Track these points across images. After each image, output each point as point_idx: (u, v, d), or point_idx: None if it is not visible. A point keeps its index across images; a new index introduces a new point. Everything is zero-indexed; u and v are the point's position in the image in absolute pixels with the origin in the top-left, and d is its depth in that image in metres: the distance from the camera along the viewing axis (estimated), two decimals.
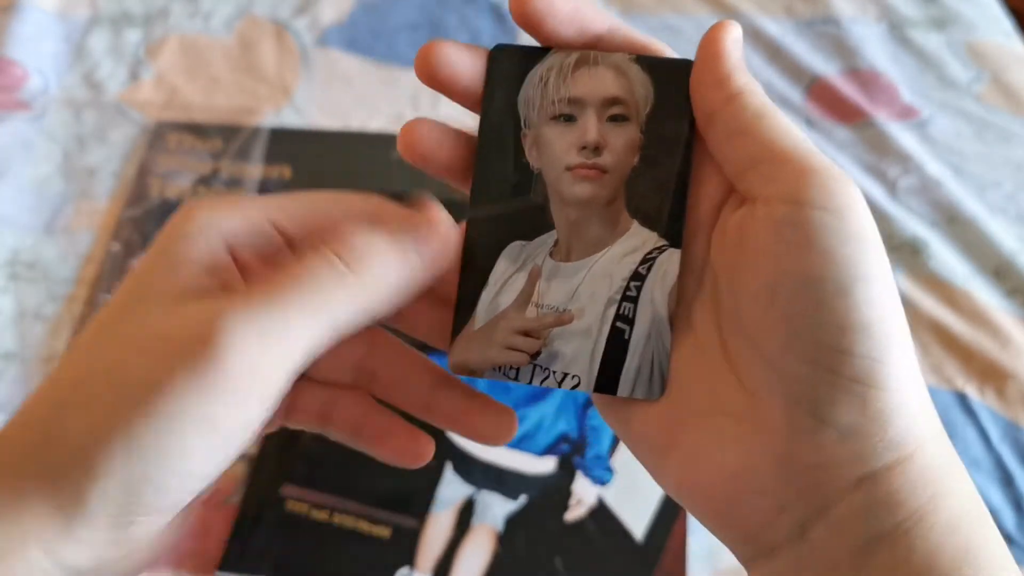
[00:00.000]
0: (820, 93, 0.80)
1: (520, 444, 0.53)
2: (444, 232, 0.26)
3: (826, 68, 0.82)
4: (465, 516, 0.50)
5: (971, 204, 0.69)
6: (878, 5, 0.91)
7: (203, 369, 0.21)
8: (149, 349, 0.21)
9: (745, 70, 0.25)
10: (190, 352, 0.21)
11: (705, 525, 0.25)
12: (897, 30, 0.88)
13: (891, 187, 0.71)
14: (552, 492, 0.51)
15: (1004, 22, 0.90)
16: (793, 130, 0.24)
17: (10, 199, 0.67)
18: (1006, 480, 0.53)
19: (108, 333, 0.23)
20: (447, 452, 0.52)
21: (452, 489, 0.51)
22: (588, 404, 0.54)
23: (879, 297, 0.22)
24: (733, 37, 0.26)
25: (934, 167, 0.72)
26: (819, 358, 0.22)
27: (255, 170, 0.69)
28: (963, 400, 0.57)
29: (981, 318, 0.61)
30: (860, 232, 0.22)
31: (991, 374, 0.58)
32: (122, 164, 0.70)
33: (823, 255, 0.22)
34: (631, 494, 0.51)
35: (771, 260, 0.23)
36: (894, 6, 0.91)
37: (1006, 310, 0.62)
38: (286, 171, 0.69)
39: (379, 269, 0.24)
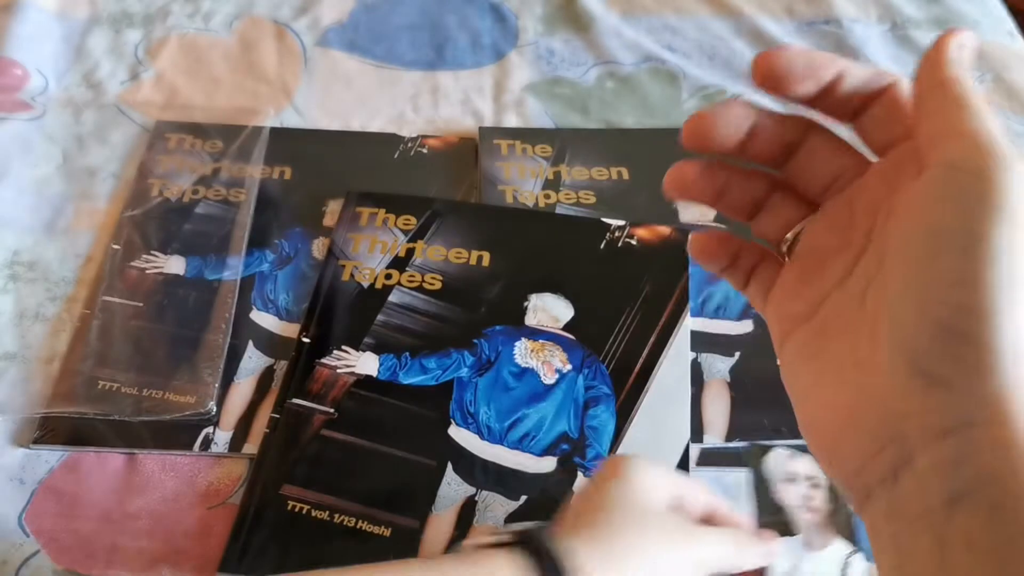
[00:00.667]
0: None
1: (520, 444, 0.53)
2: (773, 554, 0.45)
3: None
4: (466, 516, 0.50)
5: None
6: (880, 5, 0.91)
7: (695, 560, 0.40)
8: (671, 531, 0.41)
9: (964, 65, 0.27)
10: (687, 544, 0.41)
11: (820, 462, 0.27)
12: (899, 30, 0.88)
13: None
14: (553, 492, 0.51)
15: (1007, 22, 0.90)
16: (984, 117, 0.25)
17: (10, 199, 0.66)
18: None
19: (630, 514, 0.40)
20: (448, 452, 0.52)
21: (453, 489, 0.51)
22: (588, 404, 0.54)
23: (1002, 259, 0.22)
24: (962, 40, 0.27)
25: None
26: (928, 306, 0.23)
27: (255, 170, 0.68)
28: None
29: None
30: (998, 201, 0.23)
31: None
32: (122, 164, 0.70)
33: (952, 209, 0.23)
34: None
35: (912, 214, 0.24)
36: (896, 6, 0.91)
37: None
38: (286, 171, 0.69)
39: (751, 559, 0.43)
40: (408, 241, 0.63)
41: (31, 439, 0.52)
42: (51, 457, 0.52)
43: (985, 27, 0.88)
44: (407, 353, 0.56)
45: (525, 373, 0.55)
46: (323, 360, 0.56)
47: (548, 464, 0.52)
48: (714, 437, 0.54)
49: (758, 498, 0.50)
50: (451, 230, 0.63)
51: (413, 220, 0.64)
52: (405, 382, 0.55)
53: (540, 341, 0.57)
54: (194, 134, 0.72)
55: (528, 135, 0.74)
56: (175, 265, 0.61)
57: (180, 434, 0.53)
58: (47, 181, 0.68)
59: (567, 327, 0.58)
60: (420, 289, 0.60)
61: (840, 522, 0.49)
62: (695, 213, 0.67)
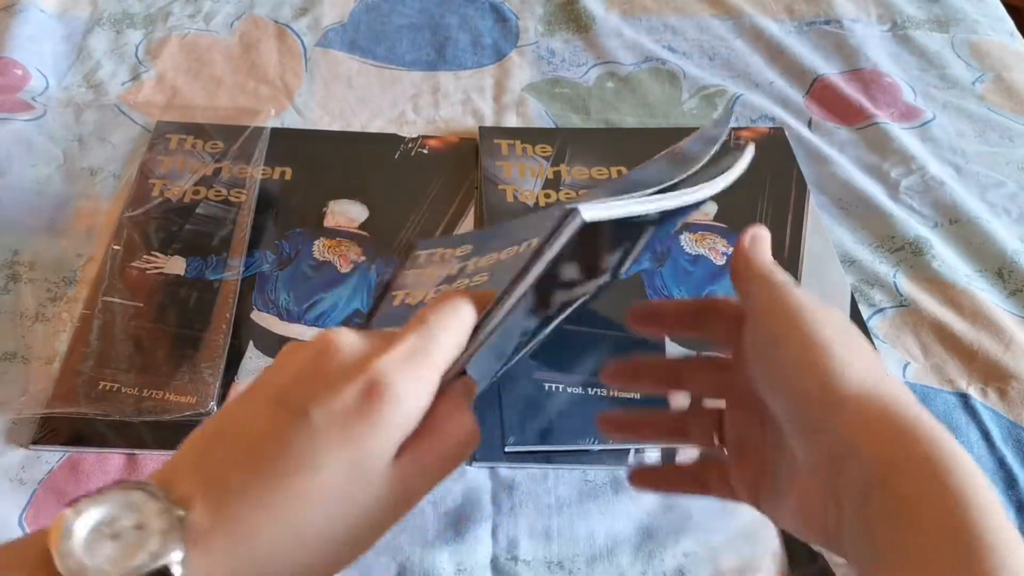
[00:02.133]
0: (822, 94, 0.79)
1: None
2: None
3: (828, 68, 0.82)
4: None
5: (973, 204, 0.69)
6: (880, 5, 0.91)
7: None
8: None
9: (763, 251, 0.36)
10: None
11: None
12: (899, 30, 0.88)
13: (893, 188, 0.71)
14: None
15: (1007, 22, 0.90)
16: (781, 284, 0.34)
17: (11, 199, 0.66)
18: (1009, 481, 0.52)
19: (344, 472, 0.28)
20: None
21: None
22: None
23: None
24: (754, 235, 0.36)
25: (936, 167, 0.72)
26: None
27: (256, 171, 0.68)
28: (965, 401, 0.56)
29: (983, 319, 0.60)
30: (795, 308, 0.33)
31: (993, 375, 0.58)
32: (123, 165, 0.70)
33: (771, 319, 0.34)
34: None
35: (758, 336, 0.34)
36: (896, 6, 0.91)
37: (1008, 311, 0.62)
38: (287, 172, 0.69)
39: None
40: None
41: (31, 439, 0.52)
42: (51, 457, 0.52)
43: (984, 26, 0.89)
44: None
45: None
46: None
47: None
48: None
49: (791, 549, 0.49)
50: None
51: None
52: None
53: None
54: (195, 134, 0.72)
55: (528, 135, 0.74)
56: (176, 265, 0.61)
57: (181, 434, 0.52)
58: (48, 181, 0.68)
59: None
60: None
61: None
62: (695, 213, 0.67)
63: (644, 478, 0.42)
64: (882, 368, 0.32)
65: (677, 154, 0.55)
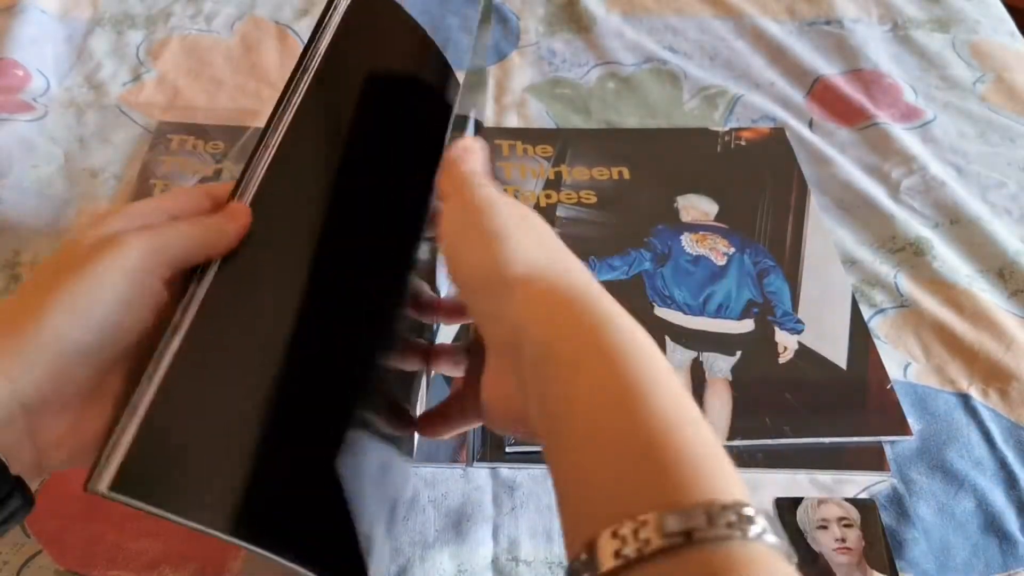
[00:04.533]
0: (823, 94, 0.79)
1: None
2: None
3: (829, 69, 0.82)
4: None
5: (974, 205, 0.69)
6: (881, 6, 0.91)
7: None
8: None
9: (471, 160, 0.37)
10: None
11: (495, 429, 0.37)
12: (900, 31, 0.88)
13: (894, 188, 0.71)
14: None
15: (1007, 23, 0.90)
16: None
17: (12, 200, 0.67)
18: (1010, 482, 0.52)
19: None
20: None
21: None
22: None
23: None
24: (463, 145, 0.38)
25: (937, 168, 0.72)
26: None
27: None
28: (966, 401, 0.56)
29: (984, 319, 0.60)
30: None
31: (994, 375, 0.58)
32: (124, 166, 0.70)
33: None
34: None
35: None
36: (897, 7, 0.91)
37: (1009, 311, 0.62)
38: None
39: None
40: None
41: None
42: None
43: (985, 27, 0.89)
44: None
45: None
46: None
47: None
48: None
49: (794, 551, 0.49)
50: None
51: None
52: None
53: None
54: (196, 135, 0.72)
55: (529, 135, 0.74)
56: None
57: None
58: (49, 182, 0.69)
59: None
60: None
61: (876, 556, 0.49)
62: (696, 214, 0.67)
63: (430, 425, 0.43)
64: (557, 247, 0.34)
65: None
